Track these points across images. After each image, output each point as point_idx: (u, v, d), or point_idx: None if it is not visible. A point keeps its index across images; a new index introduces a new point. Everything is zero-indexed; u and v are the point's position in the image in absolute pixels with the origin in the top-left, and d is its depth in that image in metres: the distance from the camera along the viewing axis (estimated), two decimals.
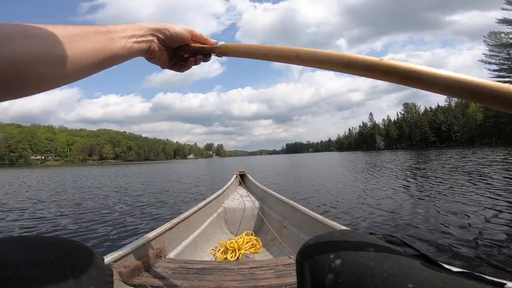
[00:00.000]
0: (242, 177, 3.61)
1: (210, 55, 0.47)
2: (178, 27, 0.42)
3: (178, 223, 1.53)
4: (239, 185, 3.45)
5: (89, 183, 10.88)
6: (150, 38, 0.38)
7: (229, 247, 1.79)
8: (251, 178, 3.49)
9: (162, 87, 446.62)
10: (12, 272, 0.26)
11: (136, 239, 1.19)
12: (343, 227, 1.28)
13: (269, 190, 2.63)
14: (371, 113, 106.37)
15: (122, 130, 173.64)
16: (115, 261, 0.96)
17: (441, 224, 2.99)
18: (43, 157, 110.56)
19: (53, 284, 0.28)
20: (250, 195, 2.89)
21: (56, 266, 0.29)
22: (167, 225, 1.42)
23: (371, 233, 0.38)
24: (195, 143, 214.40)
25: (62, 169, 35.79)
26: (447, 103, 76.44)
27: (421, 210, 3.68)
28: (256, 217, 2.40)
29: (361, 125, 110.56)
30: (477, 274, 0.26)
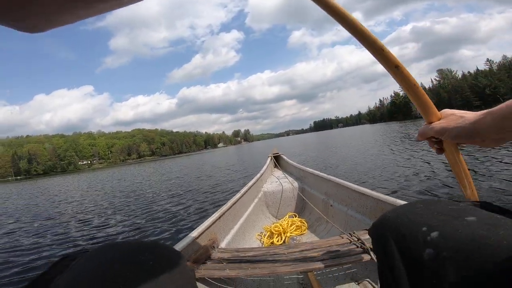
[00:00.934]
0: (277, 159, 3.54)
1: None
2: None
3: (225, 212, 1.52)
4: (274, 167, 3.40)
5: (133, 182, 11.31)
6: None
7: (274, 231, 1.78)
8: (286, 158, 3.41)
9: (184, 82, 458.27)
10: (122, 282, 0.27)
11: (190, 232, 1.18)
12: (402, 201, 1.17)
13: (308, 169, 2.53)
14: None
15: (154, 128, 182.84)
16: None
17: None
18: (89, 162, 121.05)
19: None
20: (288, 176, 2.83)
21: (158, 272, 0.30)
22: (216, 215, 1.42)
23: (456, 201, 0.34)
24: (223, 132, 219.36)
25: (107, 171, 38.23)
26: (487, 66, 68.43)
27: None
28: (297, 198, 2.34)
29: (393, 94, 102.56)
30: None
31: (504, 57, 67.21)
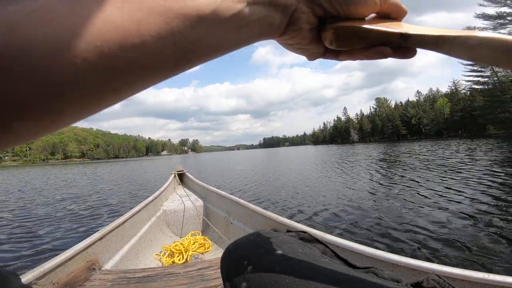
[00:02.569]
0: (181, 176, 3.46)
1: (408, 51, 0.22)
2: None
3: (110, 231, 1.42)
4: (178, 185, 3.31)
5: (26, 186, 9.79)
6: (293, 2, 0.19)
7: (174, 250, 1.74)
8: (191, 176, 3.35)
9: None
10: None
11: (61, 252, 1.07)
12: (284, 219, 1.31)
13: (211, 187, 2.55)
14: (345, 107, 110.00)
15: (91, 127, 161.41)
16: (39, 278, 0.92)
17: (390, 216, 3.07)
18: None
19: None
20: (191, 194, 2.80)
21: None
22: (97, 235, 1.31)
23: (288, 231, 0.38)
24: (169, 139, 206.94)
25: (18, 169, 32.95)
26: (416, 97, 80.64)
27: (381, 203, 3.77)
28: (201, 216, 2.34)
29: (336, 119, 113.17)
30: (381, 270, 0.27)
31: (431, 90, 78.32)
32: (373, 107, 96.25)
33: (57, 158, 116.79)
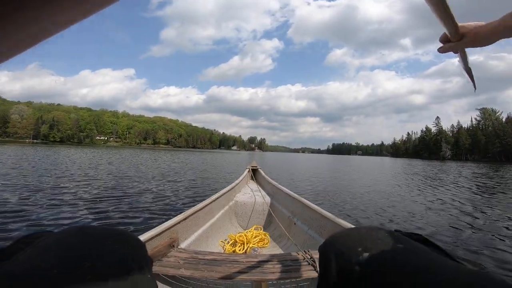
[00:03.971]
0: (254, 172, 3.65)
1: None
2: None
3: (191, 215, 1.57)
4: (251, 179, 3.50)
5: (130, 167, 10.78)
6: None
7: (238, 240, 1.86)
8: (263, 173, 3.49)
9: (216, 81, 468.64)
10: (90, 263, 0.27)
11: (151, 229, 1.20)
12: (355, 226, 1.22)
13: (280, 186, 2.63)
14: (438, 116, 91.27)
15: (177, 119, 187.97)
16: None
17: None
18: (106, 138, 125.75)
19: (125, 276, 0.29)
20: (261, 190, 2.93)
21: (120, 259, 0.31)
22: (180, 216, 1.46)
23: (396, 230, 0.38)
24: (240, 135, 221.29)
25: (120, 150, 38.18)
26: None
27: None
28: (266, 212, 2.42)
29: (424, 130, 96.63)
30: (499, 275, 0.26)
31: None
32: (475, 119, 78.25)
33: (148, 143, 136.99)
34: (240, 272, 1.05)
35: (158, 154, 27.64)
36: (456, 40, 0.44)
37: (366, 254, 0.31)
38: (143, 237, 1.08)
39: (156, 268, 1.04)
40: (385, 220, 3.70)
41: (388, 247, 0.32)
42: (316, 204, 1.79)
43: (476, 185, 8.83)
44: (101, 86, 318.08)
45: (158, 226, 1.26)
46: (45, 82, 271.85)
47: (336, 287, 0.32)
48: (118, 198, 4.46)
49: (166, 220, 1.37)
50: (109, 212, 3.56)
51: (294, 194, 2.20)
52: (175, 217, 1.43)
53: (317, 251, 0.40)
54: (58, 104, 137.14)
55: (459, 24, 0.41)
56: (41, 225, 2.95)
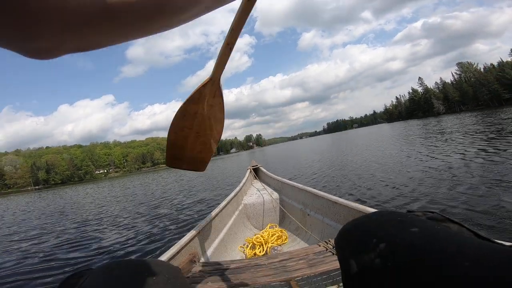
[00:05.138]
0: (256, 171, 3.60)
1: None
2: None
3: (204, 226, 1.54)
4: (254, 179, 3.45)
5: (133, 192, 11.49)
6: None
7: (256, 243, 1.84)
8: (264, 170, 3.47)
9: None
10: None
11: (168, 249, 1.18)
12: (371, 209, 1.24)
13: (285, 180, 2.60)
14: (420, 77, 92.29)
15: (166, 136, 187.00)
16: None
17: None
18: (105, 171, 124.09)
19: None
20: (267, 188, 2.90)
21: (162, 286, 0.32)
22: (196, 230, 1.43)
23: (408, 211, 0.36)
24: (235, 137, 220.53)
25: (122, 179, 38.36)
26: (511, 57, 63.42)
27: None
28: (277, 208, 2.40)
29: (411, 91, 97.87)
30: None
31: None
32: (456, 74, 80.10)
33: (147, 166, 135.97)
34: (265, 275, 1.04)
35: (161, 175, 27.46)
36: None
37: (382, 245, 0.29)
38: (164, 257, 1.06)
39: None
40: (405, 199, 3.29)
41: (404, 233, 0.29)
42: (326, 192, 1.77)
43: (482, 131, 8.78)
44: (84, 118, 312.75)
45: (177, 244, 1.24)
46: (26, 125, 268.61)
47: (360, 280, 0.31)
48: (134, 225, 4.64)
49: (182, 237, 1.34)
50: (131, 239, 3.75)
51: (301, 185, 2.18)
52: (190, 232, 1.40)
53: None
54: (47, 147, 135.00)
55: None
56: (78, 264, 3.18)
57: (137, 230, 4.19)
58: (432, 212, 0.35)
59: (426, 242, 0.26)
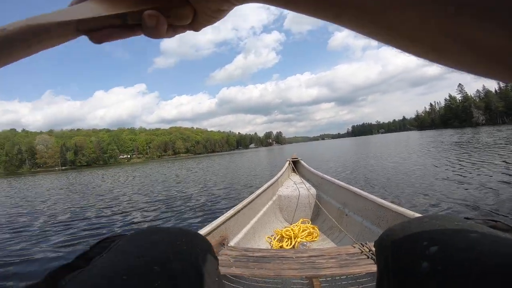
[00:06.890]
0: (295, 164, 3.53)
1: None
2: None
3: (239, 211, 1.55)
4: (292, 172, 3.39)
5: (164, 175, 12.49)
6: None
7: (284, 235, 1.78)
8: (305, 164, 3.39)
9: (225, 82, 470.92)
10: (160, 267, 0.27)
11: (202, 228, 1.21)
12: (418, 215, 1.11)
13: (326, 176, 2.48)
14: (460, 83, 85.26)
15: (192, 127, 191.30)
16: None
17: None
18: (128, 156, 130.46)
19: (195, 280, 0.29)
20: (305, 182, 2.79)
21: (193, 257, 0.31)
22: (230, 212, 1.45)
23: (466, 218, 0.34)
24: (255, 133, 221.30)
25: (144, 165, 40.05)
26: None
27: None
28: (313, 204, 2.31)
29: (448, 98, 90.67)
30: None
31: None
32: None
33: (168, 154, 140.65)
34: (290, 269, 1.01)
35: (183, 164, 28.35)
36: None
37: (434, 248, 0.27)
38: None
39: None
40: (454, 206, 3.11)
41: (460, 238, 0.27)
42: (369, 193, 1.65)
43: None
44: (116, 104, 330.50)
45: (209, 224, 1.25)
46: (63, 108, 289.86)
47: (400, 285, 0.29)
48: (166, 202, 5.42)
49: (215, 218, 1.34)
50: (163, 213, 4.35)
51: (343, 183, 2.07)
52: (224, 215, 1.40)
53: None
54: (78, 129, 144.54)
55: None
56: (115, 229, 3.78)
57: (173, 207, 4.83)
58: (495, 221, 0.32)
59: (488, 250, 0.24)
